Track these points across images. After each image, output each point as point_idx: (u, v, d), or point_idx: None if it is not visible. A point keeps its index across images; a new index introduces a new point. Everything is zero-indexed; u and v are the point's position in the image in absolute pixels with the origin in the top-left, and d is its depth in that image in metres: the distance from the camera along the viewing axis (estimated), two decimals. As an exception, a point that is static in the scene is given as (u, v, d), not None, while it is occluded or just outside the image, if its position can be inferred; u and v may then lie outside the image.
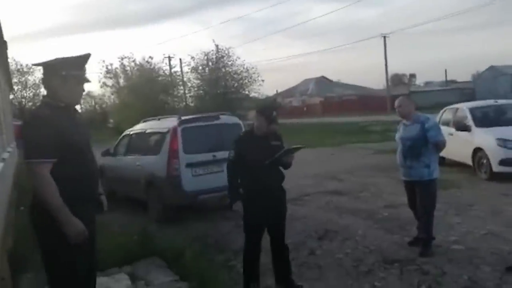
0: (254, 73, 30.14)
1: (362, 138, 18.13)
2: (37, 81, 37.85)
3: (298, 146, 3.74)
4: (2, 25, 6.38)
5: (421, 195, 4.50)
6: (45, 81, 2.49)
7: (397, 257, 4.45)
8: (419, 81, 75.06)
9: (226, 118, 7.18)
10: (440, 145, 4.46)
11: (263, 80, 30.79)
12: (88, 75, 2.60)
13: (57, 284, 2.42)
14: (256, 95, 31.40)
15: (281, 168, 3.79)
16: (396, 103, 4.67)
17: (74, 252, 2.33)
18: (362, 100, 50.40)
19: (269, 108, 3.82)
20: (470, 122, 8.47)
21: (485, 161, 7.91)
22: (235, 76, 30.29)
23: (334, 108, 49.59)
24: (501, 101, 9.87)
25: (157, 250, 4.65)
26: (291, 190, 8.26)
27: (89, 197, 2.55)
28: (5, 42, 7.94)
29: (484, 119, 8.61)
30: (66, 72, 2.42)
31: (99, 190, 2.80)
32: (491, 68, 46.82)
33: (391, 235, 5.17)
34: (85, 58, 2.57)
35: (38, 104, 2.90)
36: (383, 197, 7.24)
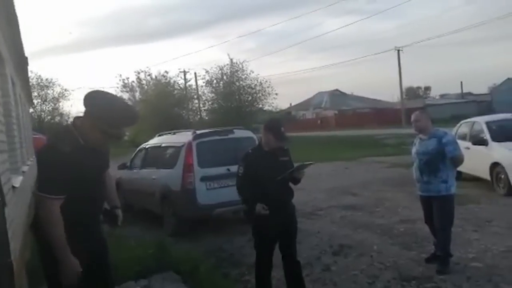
0: (268, 86, 30.48)
1: (377, 152, 17.98)
2: (56, 95, 38.78)
3: (309, 163, 3.75)
4: (23, 41, 6.55)
5: (438, 210, 4.43)
6: (84, 114, 2.46)
7: (414, 274, 4.38)
8: (434, 93, 74.34)
9: (240, 132, 7.23)
10: (458, 160, 4.41)
11: (277, 94, 31.09)
12: (123, 133, 2.53)
13: None
14: (270, 108, 31.61)
15: (290, 184, 3.80)
16: (413, 117, 4.63)
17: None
18: (376, 113, 50.14)
19: (276, 123, 3.80)
20: (487, 136, 8.35)
21: (503, 176, 7.76)
22: (249, 89, 30.58)
23: (348, 121, 49.42)
24: (517, 115, 9.70)
25: (172, 264, 4.67)
26: (304, 205, 8.31)
27: (91, 221, 2.57)
28: (26, 58, 8.13)
29: (501, 133, 8.43)
30: (104, 127, 2.39)
31: (115, 203, 2.85)
32: (508, 80, 46.19)
33: (408, 251, 5.11)
34: (128, 121, 2.52)
35: (64, 127, 2.85)
36: (399, 212, 7.15)
